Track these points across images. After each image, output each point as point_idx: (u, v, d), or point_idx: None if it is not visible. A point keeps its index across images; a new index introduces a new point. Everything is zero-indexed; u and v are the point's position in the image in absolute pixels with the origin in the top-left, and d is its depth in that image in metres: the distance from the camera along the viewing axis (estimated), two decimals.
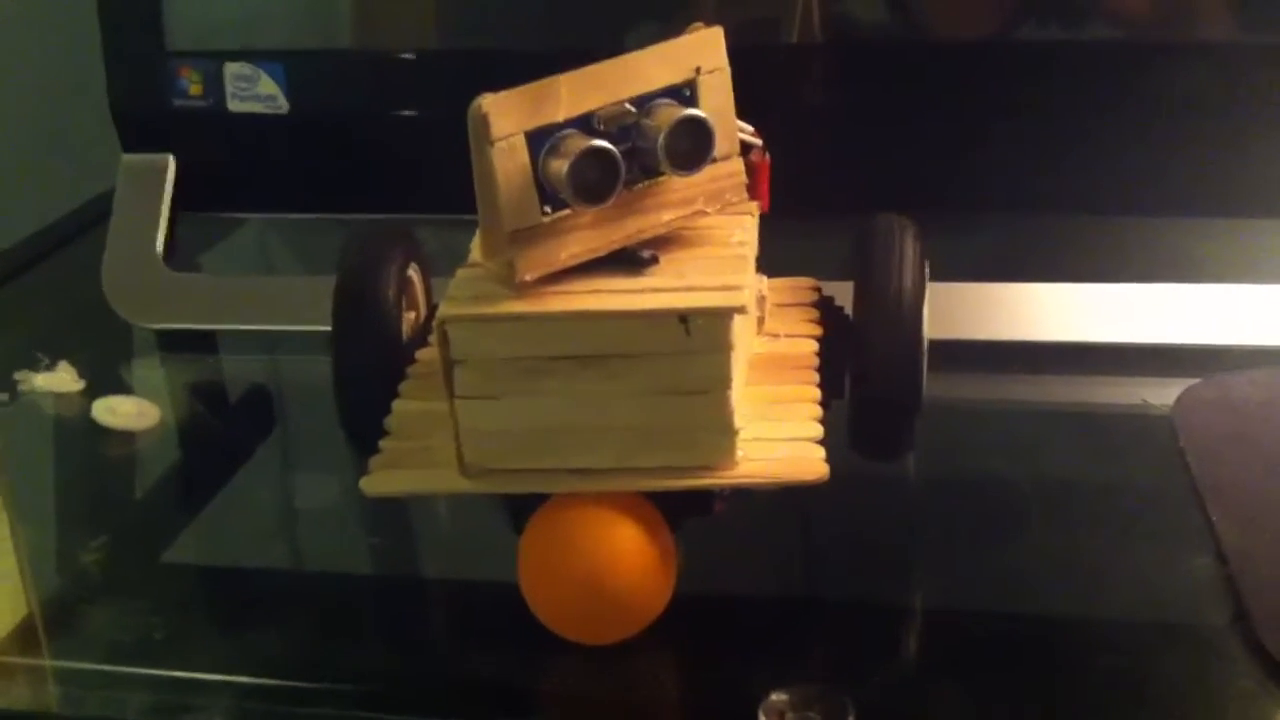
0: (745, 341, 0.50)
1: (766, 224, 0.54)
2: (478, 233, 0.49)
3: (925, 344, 0.53)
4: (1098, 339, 0.66)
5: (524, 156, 0.46)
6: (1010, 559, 0.54)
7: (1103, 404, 0.66)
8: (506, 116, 0.46)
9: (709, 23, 0.50)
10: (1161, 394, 0.62)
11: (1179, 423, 0.59)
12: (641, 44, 0.48)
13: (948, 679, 0.48)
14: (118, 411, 0.67)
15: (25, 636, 0.53)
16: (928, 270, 0.54)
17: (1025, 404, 0.66)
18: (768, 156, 0.53)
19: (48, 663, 0.52)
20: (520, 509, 0.49)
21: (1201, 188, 0.69)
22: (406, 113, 0.76)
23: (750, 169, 0.52)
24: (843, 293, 0.55)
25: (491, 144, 0.46)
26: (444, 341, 0.47)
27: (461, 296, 0.48)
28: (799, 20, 0.72)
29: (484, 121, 0.45)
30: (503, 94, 0.46)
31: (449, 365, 0.47)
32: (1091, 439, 0.62)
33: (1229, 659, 0.47)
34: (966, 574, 0.53)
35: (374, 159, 0.76)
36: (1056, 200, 0.71)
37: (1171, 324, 0.66)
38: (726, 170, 0.50)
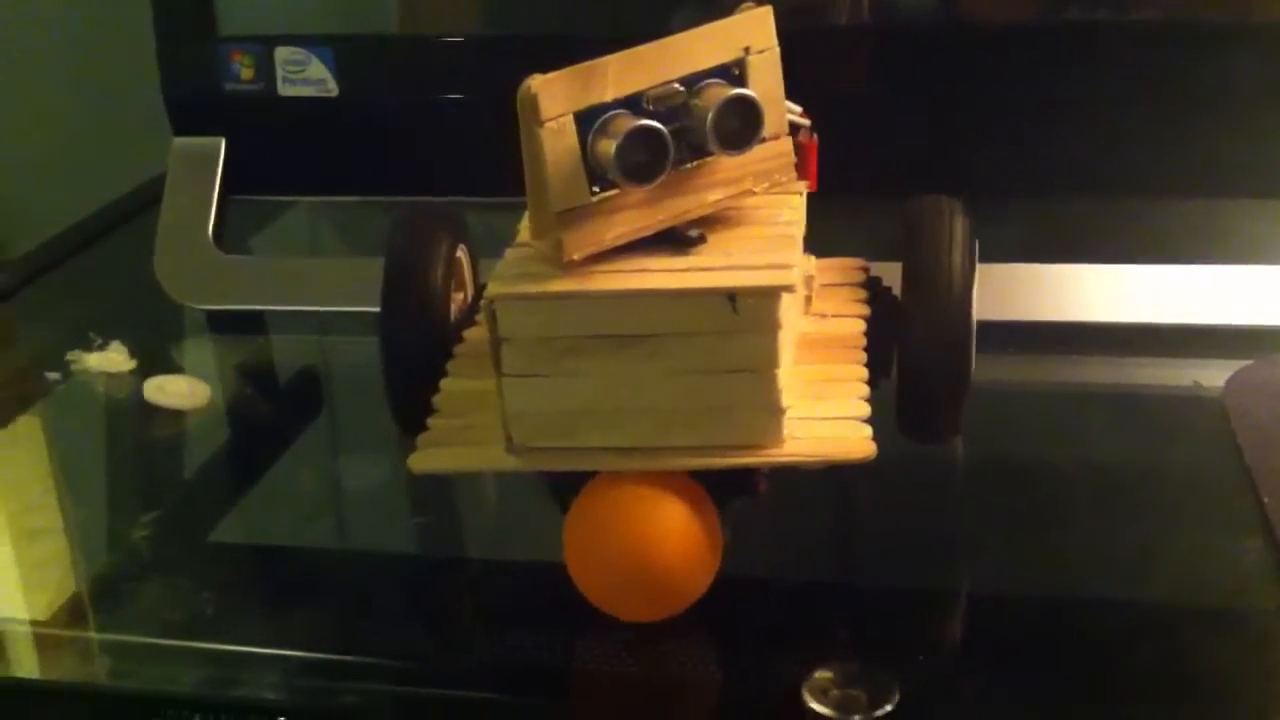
0: (792, 321, 0.50)
1: (814, 204, 0.54)
2: (526, 213, 0.49)
3: (974, 325, 0.52)
4: (1148, 320, 0.66)
5: (572, 137, 0.46)
6: (1057, 542, 0.53)
7: (1153, 386, 0.65)
8: (555, 97, 0.46)
9: (759, 2, 0.49)
10: (1212, 376, 0.61)
11: (1230, 405, 0.59)
12: (690, 25, 0.48)
13: (992, 661, 0.48)
14: (168, 390, 0.67)
15: (74, 611, 0.53)
16: (977, 251, 0.53)
17: (1074, 386, 0.66)
18: (815, 137, 0.53)
19: (97, 636, 0.52)
20: (566, 487, 0.49)
21: (1254, 169, 0.69)
22: (454, 96, 0.76)
23: (798, 149, 0.52)
24: (891, 274, 0.55)
25: (540, 125, 0.46)
26: (492, 320, 0.47)
27: (509, 276, 0.48)
28: (849, 2, 0.71)
29: (533, 102, 0.46)
30: (552, 75, 0.46)
31: (496, 344, 0.47)
32: (1141, 421, 0.62)
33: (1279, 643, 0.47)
34: (1012, 557, 0.53)
35: (422, 142, 0.77)
36: (1107, 181, 0.70)
37: (1223, 305, 0.65)
38: (775, 150, 0.50)
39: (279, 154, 0.79)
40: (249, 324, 0.77)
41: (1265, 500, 0.52)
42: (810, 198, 0.53)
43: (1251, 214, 0.70)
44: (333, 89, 0.76)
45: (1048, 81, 0.70)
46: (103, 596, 0.55)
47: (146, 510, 0.60)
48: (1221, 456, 0.56)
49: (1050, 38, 0.70)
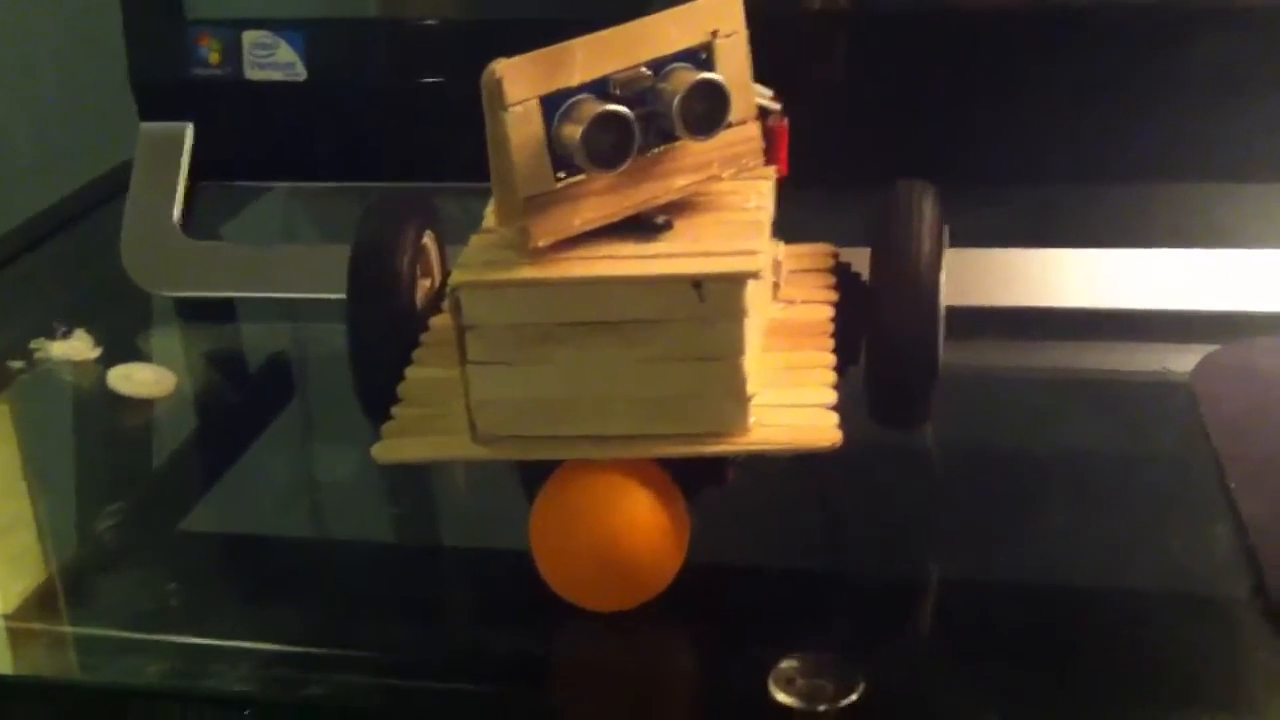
0: (760, 307, 0.50)
1: (786, 190, 0.53)
2: (492, 199, 0.49)
3: (942, 310, 0.52)
4: (1117, 305, 0.66)
5: (538, 122, 0.46)
6: (1026, 528, 0.53)
7: (1122, 371, 0.65)
8: (520, 82, 0.45)
9: None
10: (1181, 360, 0.61)
11: (1199, 389, 0.59)
12: (659, 8, 0.48)
13: (960, 650, 0.47)
14: (134, 379, 0.67)
15: (44, 603, 0.53)
16: (946, 236, 0.53)
17: (1043, 371, 0.66)
18: (786, 121, 0.53)
19: (67, 629, 0.52)
20: (533, 476, 0.48)
21: (1222, 153, 0.69)
22: (425, 80, 0.75)
23: (769, 134, 0.51)
24: (863, 260, 0.54)
25: (505, 109, 0.45)
26: (456, 307, 0.46)
27: (474, 262, 0.47)
28: None
29: (498, 87, 0.45)
30: (517, 59, 0.45)
31: (461, 331, 0.47)
32: (1110, 406, 0.62)
33: (1247, 630, 0.47)
34: (981, 544, 0.53)
35: (393, 127, 0.76)
36: (1077, 167, 0.70)
37: (1191, 289, 0.65)
38: (742, 135, 0.50)
39: (248, 139, 0.79)
40: (218, 311, 0.76)
41: (1232, 485, 0.52)
42: (782, 183, 0.53)
43: (1221, 198, 0.70)
44: (301, 73, 0.76)
45: (1019, 67, 0.70)
46: (69, 588, 0.54)
47: (111, 500, 0.59)
48: (1190, 441, 0.56)
49: (1021, 23, 0.70)
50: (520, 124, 0.46)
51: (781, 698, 0.44)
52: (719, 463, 0.49)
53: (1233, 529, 0.51)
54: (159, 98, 0.78)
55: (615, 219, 0.48)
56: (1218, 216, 0.70)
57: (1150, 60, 0.68)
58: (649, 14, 0.48)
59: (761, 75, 0.50)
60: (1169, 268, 0.66)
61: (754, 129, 0.50)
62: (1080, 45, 0.69)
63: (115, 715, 0.49)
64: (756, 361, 0.48)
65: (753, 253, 0.46)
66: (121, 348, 0.71)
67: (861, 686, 0.44)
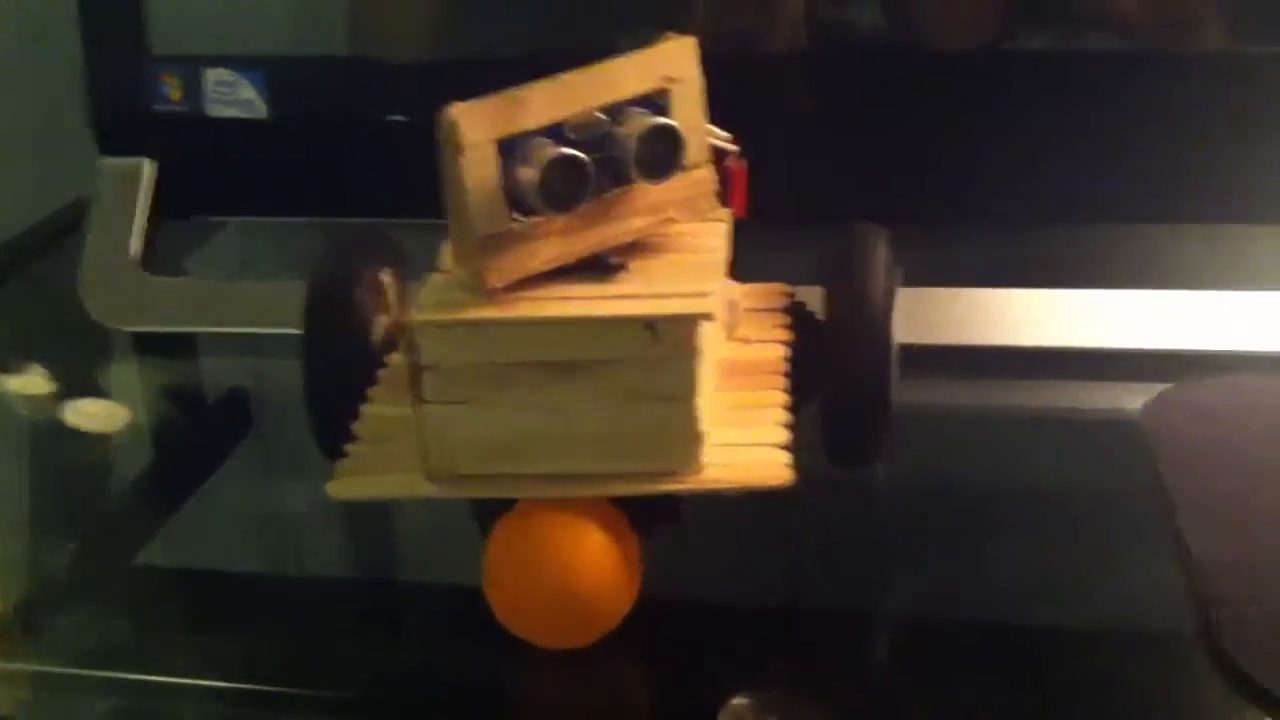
0: (713, 348, 0.51)
1: (745, 231, 0.54)
2: (448, 239, 0.49)
3: (895, 348, 0.53)
4: (1068, 344, 0.66)
5: (494, 165, 0.46)
6: (978, 567, 0.54)
7: (1073, 409, 0.66)
8: (476, 125, 0.46)
9: (686, 30, 0.50)
10: (1131, 399, 0.62)
11: (1149, 428, 0.60)
12: (618, 52, 0.49)
13: (913, 687, 0.48)
14: (87, 414, 0.67)
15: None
16: (899, 275, 0.54)
17: (995, 409, 0.66)
18: (744, 163, 0.53)
19: (17, 666, 0.52)
20: (487, 514, 0.49)
21: (1175, 194, 0.70)
22: (385, 118, 0.76)
23: (726, 176, 0.52)
24: (817, 298, 0.55)
25: (461, 152, 0.46)
26: (413, 346, 0.47)
27: (431, 302, 0.48)
28: (778, 27, 0.72)
29: (454, 130, 0.46)
30: (473, 103, 0.46)
31: (417, 370, 0.47)
32: (1061, 444, 0.62)
33: (1195, 668, 0.47)
34: (934, 581, 0.53)
35: (352, 164, 0.77)
36: (1031, 207, 0.71)
37: (1142, 329, 0.66)
38: (697, 178, 0.50)
39: (208, 175, 0.79)
40: (176, 347, 0.76)
41: (1180, 525, 0.53)
42: (741, 224, 0.54)
43: (1173, 239, 0.71)
44: (262, 111, 0.76)
45: (973, 109, 0.71)
46: (20, 624, 0.54)
47: (64, 535, 0.59)
48: (1140, 479, 0.57)
49: (978, 66, 0.71)
50: (476, 166, 0.46)
51: None
52: (672, 501, 0.49)
53: (1181, 567, 0.51)
54: (119, 133, 0.78)
55: (571, 260, 0.48)
56: (1170, 257, 0.71)
57: (1104, 103, 0.69)
58: (607, 58, 0.48)
59: (716, 116, 0.51)
60: (1120, 307, 0.67)
61: (708, 172, 0.50)
62: (1035, 87, 0.70)
63: None
64: (710, 400, 0.49)
65: (705, 294, 0.47)
66: (78, 383, 0.70)
67: None
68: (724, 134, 0.52)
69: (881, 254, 0.53)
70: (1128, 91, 0.69)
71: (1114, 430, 0.62)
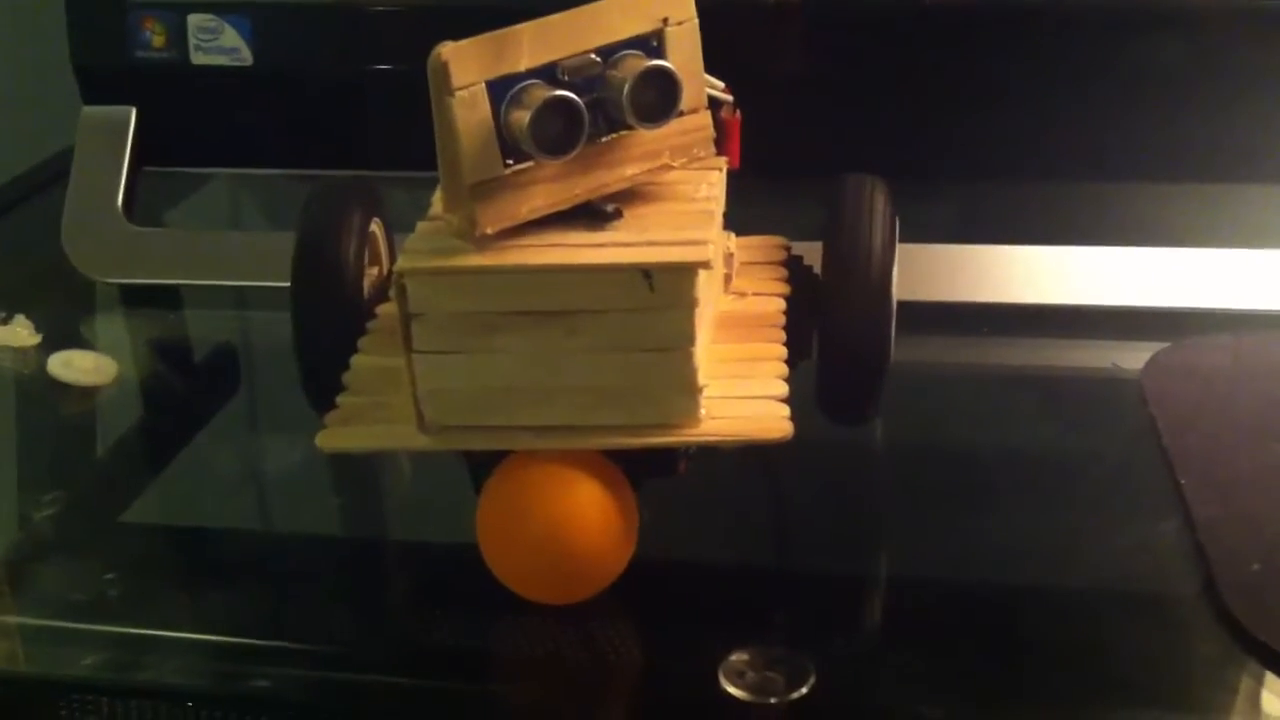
0: (710, 298, 0.50)
1: (739, 183, 0.53)
2: (439, 186, 0.48)
3: (894, 304, 0.52)
4: (1068, 301, 0.66)
5: (485, 107, 0.45)
6: (975, 524, 0.53)
7: (1072, 367, 0.65)
8: (467, 66, 0.45)
9: None
10: (1131, 358, 0.61)
11: (1148, 387, 0.59)
12: None
13: (909, 644, 0.47)
14: (74, 366, 0.66)
15: None
16: (898, 230, 0.53)
17: (994, 367, 0.66)
18: (738, 113, 0.52)
19: (6, 619, 0.51)
20: (480, 467, 0.48)
21: (1172, 152, 0.69)
22: (373, 66, 0.75)
23: (720, 126, 0.51)
24: (816, 254, 0.54)
25: (452, 94, 0.45)
26: (402, 295, 0.46)
27: (420, 250, 0.47)
28: None
29: (444, 71, 0.45)
30: (463, 42, 0.45)
31: (406, 319, 0.46)
32: (1060, 403, 0.62)
33: (1197, 627, 0.47)
34: (930, 539, 0.53)
35: (340, 113, 0.76)
36: (1028, 164, 0.70)
37: (1141, 287, 0.66)
38: (693, 124, 0.49)
39: (193, 125, 0.77)
40: (163, 299, 0.75)
41: (1182, 482, 0.52)
42: (734, 175, 0.53)
43: (1173, 197, 0.71)
44: (247, 58, 0.74)
45: (972, 62, 0.70)
46: (5, 578, 0.53)
47: (50, 489, 0.58)
48: (1139, 438, 0.56)
49: (979, 19, 0.70)
50: (467, 109, 0.45)
51: (732, 690, 0.44)
52: (669, 454, 0.48)
53: (1182, 526, 0.51)
54: (101, 81, 0.77)
55: (564, 207, 0.47)
56: (1170, 215, 0.70)
57: (1103, 57, 0.69)
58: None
59: (711, 67, 0.50)
60: (1120, 265, 0.66)
61: (705, 118, 0.49)
62: (1033, 41, 0.69)
63: (51, 706, 0.48)
64: (707, 353, 0.48)
65: (703, 242, 0.46)
66: (63, 334, 0.69)
67: (812, 679, 0.44)
68: (718, 83, 0.51)
69: (881, 206, 0.52)
70: (1128, 47, 0.68)
71: (1113, 389, 0.62)
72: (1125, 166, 0.70)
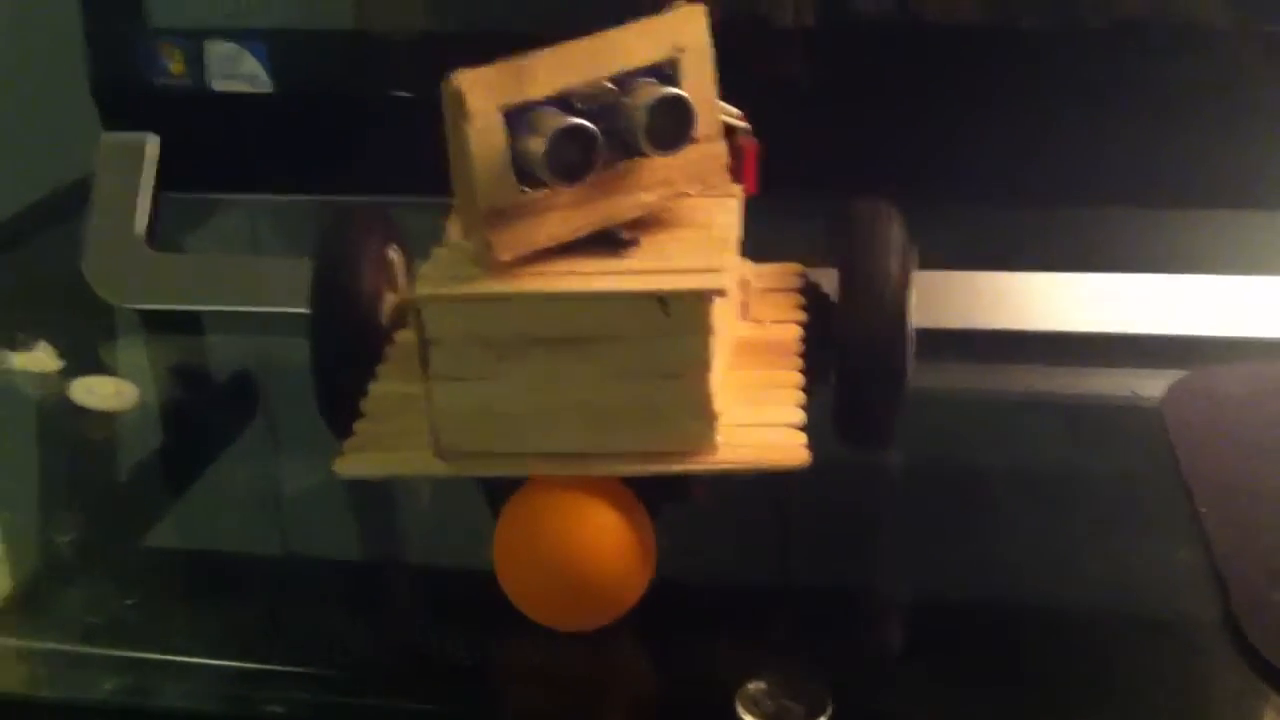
0: (726, 325, 0.50)
1: (755, 209, 0.53)
2: (454, 212, 0.48)
3: (911, 332, 0.52)
4: (1087, 329, 0.65)
5: (500, 134, 0.45)
6: (994, 551, 0.53)
7: (1091, 395, 0.65)
8: (482, 93, 0.45)
9: (692, 1, 0.49)
10: (1150, 385, 0.61)
11: (1168, 415, 0.59)
12: (626, 20, 0.48)
13: (927, 670, 0.47)
14: (96, 392, 0.66)
15: (4, 618, 0.52)
16: (915, 257, 0.53)
17: (1012, 394, 0.65)
18: (755, 140, 0.52)
19: (24, 643, 0.51)
20: (497, 492, 0.48)
21: (1192, 179, 0.69)
22: (392, 93, 0.75)
23: (737, 152, 0.51)
24: (833, 280, 0.54)
25: (467, 121, 0.45)
26: (419, 322, 0.46)
27: (437, 276, 0.47)
28: (788, 2, 0.71)
29: (459, 98, 0.45)
30: (479, 70, 0.45)
31: (424, 346, 0.46)
32: (1079, 430, 0.61)
33: (1214, 653, 0.47)
34: (949, 565, 0.52)
35: (359, 139, 0.76)
36: (1047, 190, 0.70)
37: (1161, 315, 0.65)
38: (708, 151, 0.49)
39: (213, 150, 0.78)
40: (183, 324, 0.75)
41: (1202, 510, 0.52)
42: (750, 201, 0.53)
43: (1193, 224, 0.70)
44: (266, 84, 0.75)
45: (990, 88, 0.70)
46: (27, 602, 0.53)
47: (71, 514, 0.58)
48: (1159, 466, 0.56)
49: (993, 44, 0.70)
50: (482, 136, 0.45)
51: (748, 718, 0.44)
52: (686, 481, 0.48)
53: (1201, 554, 0.51)
54: (121, 107, 0.77)
55: (579, 234, 0.47)
56: (1190, 241, 0.70)
57: (1124, 82, 0.68)
58: (614, 27, 0.47)
59: (727, 92, 0.50)
60: (1139, 292, 0.66)
61: (720, 146, 0.49)
62: (1052, 68, 0.69)
63: None
64: (724, 380, 0.48)
65: (719, 270, 0.46)
66: (84, 360, 0.70)
67: (830, 708, 0.44)
68: (734, 110, 0.51)
69: (896, 233, 0.52)
70: (1149, 71, 0.68)
71: (1133, 416, 0.62)
72: (1145, 192, 0.69)
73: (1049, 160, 0.70)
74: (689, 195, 0.49)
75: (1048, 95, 0.69)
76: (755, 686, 0.45)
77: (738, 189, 0.52)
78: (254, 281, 0.74)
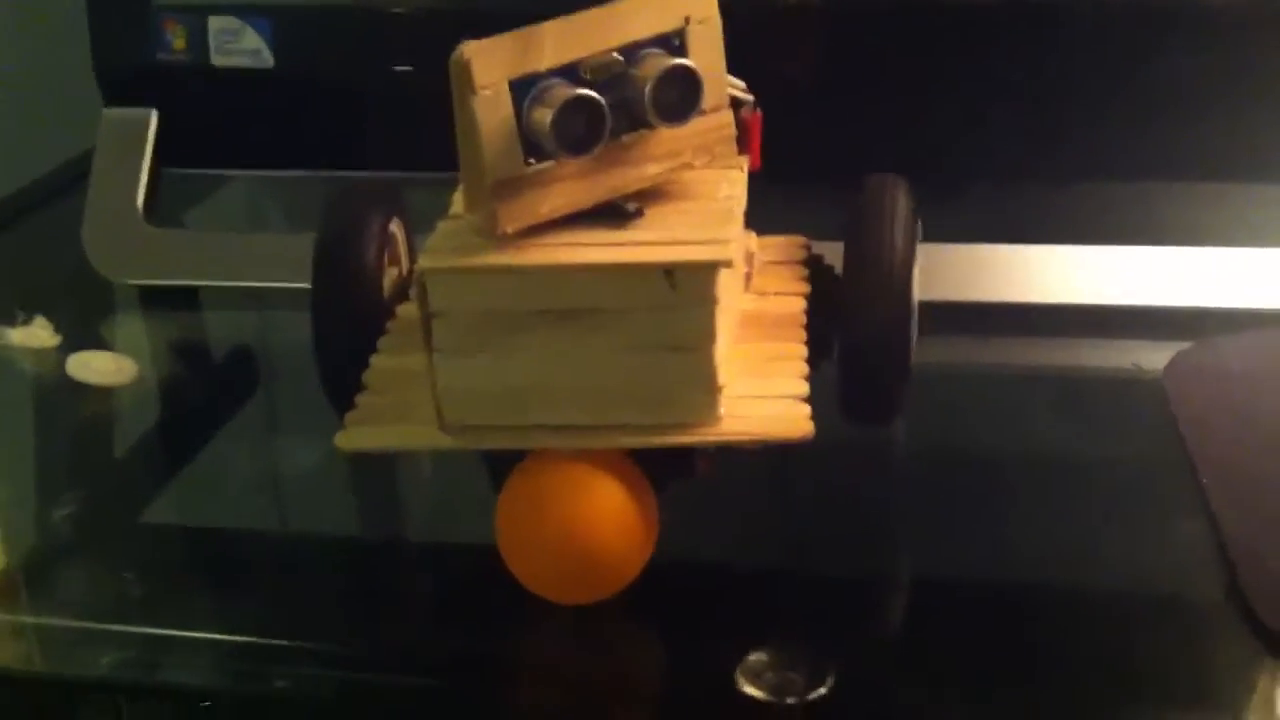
0: (731, 298, 0.50)
1: (760, 182, 0.53)
2: (460, 184, 0.48)
3: (915, 305, 0.52)
4: (1089, 301, 0.65)
5: (507, 106, 0.45)
6: (997, 525, 0.53)
7: (1093, 367, 0.65)
8: (489, 64, 0.45)
9: None
10: (1153, 358, 0.61)
11: (1170, 387, 0.59)
12: None
13: (929, 645, 0.47)
14: (93, 367, 0.66)
15: (1, 593, 0.52)
16: (919, 230, 0.53)
17: (1015, 367, 0.66)
18: (759, 113, 0.52)
19: (23, 619, 0.51)
20: (499, 466, 0.48)
21: (1195, 151, 0.69)
22: (393, 68, 0.75)
23: (741, 125, 0.51)
24: (837, 253, 0.54)
25: (474, 92, 0.45)
26: (423, 294, 0.46)
27: (442, 248, 0.47)
28: None
29: (466, 69, 0.45)
30: (485, 41, 0.45)
31: (427, 318, 0.46)
32: (1082, 403, 0.61)
33: (1221, 628, 0.47)
34: (952, 540, 0.52)
35: (360, 115, 0.76)
36: (1051, 164, 0.70)
37: (1163, 287, 0.65)
38: (715, 123, 0.49)
39: (213, 126, 0.78)
40: (182, 300, 0.75)
41: (1204, 482, 0.52)
42: (755, 175, 0.53)
43: (1195, 196, 0.70)
44: (268, 60, 0.75)
45: (993, 63, 0.70)
46: (25, 578, 0.53)
47: (69, 489, 0.58)
48: (1161, 438, 0.56)
49: (1000, 19, 0.70)
50: (489, 107, 0.45)
51: (750, 690, 0.44)
52: (689, 454, 0.48)
53: (1205, 526, 0.51)
54: (122, 83, 0.77)
55: (585, 206, 0.47)
56: (1191, 214, 0.70)
57: (1124, 58, 0.68)
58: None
59: (733, 67, 0.50)
60: (1141, 264, 0.66)
61: (727, 117, 0.49)
62: (1055, 42, 0.69)
63: (70, 706, 0.48)
64: (728, 352, 0.48)
65: (725, 241, 0.46)
66: (82, 336, 0.70)
67: (831, 679, 0.44)
68: (739, 83, 0.51)
69: (902, 205, 0.52)
70: (1151, 45, 0.68)
71: (1134, 389, 0.62)
72: (1147, 165, 0.69)
73: (1052, 134, 0.70)
74: (694, 167, 0.49)
75: (1051, 70, 0.69)
76: (756, 658, 0.45)
77: (743, 161, 0.52)
78: (254, 257, 0.73)
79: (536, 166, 0.46)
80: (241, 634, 0.49)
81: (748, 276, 0.54)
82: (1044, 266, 0.66)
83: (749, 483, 0.54)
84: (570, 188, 0.46)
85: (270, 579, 0.53)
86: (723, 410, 0.46)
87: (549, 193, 0.46)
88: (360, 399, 0.51)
